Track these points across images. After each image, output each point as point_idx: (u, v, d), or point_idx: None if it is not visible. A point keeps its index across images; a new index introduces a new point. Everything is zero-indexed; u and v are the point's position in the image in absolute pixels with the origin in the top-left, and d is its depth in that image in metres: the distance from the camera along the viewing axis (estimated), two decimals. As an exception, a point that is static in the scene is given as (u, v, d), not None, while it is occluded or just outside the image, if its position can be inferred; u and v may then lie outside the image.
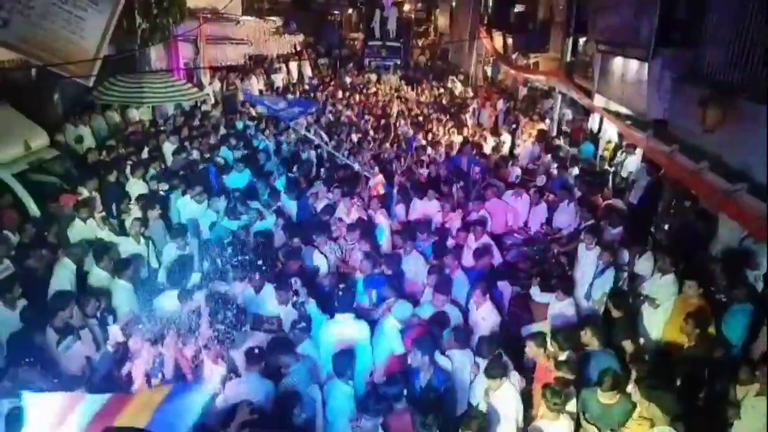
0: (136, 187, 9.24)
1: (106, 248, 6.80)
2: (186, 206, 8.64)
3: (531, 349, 5.56)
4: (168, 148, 11.40)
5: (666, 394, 4.57)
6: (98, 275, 6.54)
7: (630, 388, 5.03)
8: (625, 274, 7.26)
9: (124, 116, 13.91)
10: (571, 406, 4.98)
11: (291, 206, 8.95)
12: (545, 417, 4.82)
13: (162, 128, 12.96)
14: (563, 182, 10.29)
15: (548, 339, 5.56)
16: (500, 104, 19.03)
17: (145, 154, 10.73)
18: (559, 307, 6.39)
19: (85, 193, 8.50)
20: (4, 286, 5.94)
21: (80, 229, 7.51)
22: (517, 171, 11.61)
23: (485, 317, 6.19)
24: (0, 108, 9.44)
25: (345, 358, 5.00)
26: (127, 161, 10.06)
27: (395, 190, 9.80)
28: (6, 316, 5.73)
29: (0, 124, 9.03)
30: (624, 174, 11.08)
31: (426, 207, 9.06)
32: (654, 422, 4.50)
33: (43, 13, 10.07)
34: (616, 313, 6.19)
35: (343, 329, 5.67)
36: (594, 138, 13.39)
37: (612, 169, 11.68)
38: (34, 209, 8.19)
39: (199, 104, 15.78)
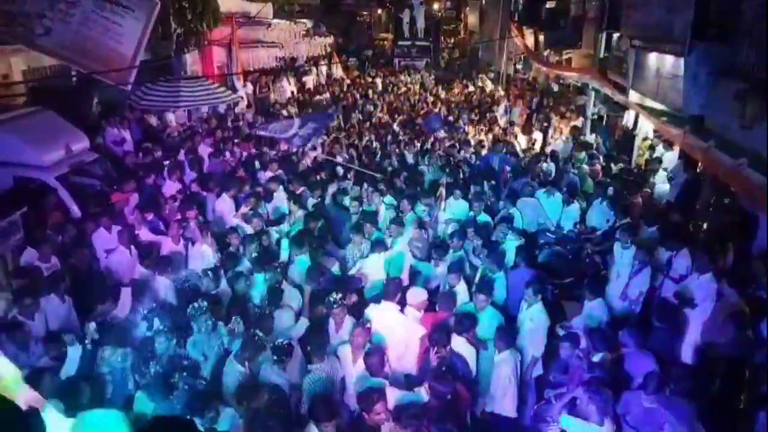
0: (172, 188, 9.47)
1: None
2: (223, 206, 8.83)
3: (565, 350, 5.51)
4: (203, 150, 11.63)
5: (683, 402, 4.48)
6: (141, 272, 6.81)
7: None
8: (662, 274, 7.13)
9: (161, 119, 14.26)
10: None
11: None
12: (590, 418, 4.75)
13: (198, 130, 13.25)
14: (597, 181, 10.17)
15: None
16: (532, 102, 18.85)
17: (181, 157, 10.97)
18: (589, 307, 6.31)
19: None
20: (53, 281, 6.23)
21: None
22: (550, 169, 11.47)
23: (533, 318, 6.14)
24: (42, 113, 9.75)
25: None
26: (164, 163, 10.31)
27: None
28: (57, 307, 6.05)
29: (43, 128, 9.33)
30: (662, 171, 10.85)
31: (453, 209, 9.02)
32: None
33: (82, 20, 10.42)
34: (657, 324, 6.07)
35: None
36: (629, 135, 13.16)
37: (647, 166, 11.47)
38: (75, 210, 8.45)
39: (232, 107, 16.07)
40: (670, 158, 10.90)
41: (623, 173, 11.05)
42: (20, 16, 9.90)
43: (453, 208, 8.87)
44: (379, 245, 7.32)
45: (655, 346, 5.59)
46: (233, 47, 17.88)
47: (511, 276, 6.99)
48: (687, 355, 6.21)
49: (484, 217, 8.54)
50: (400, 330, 5.70)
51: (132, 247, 7.42)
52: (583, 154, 11.97)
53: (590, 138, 14.03)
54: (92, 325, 5.44)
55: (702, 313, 6.17)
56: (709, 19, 8.63)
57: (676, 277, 6.96)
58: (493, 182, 10.12)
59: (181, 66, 15.45)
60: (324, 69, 26.34)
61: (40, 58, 11.21)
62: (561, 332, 6.18)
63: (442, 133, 15.25)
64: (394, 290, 6.02)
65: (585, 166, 11.27)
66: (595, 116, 15.27)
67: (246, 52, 19.25)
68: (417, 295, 6.03)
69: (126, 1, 10.84)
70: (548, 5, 20.59)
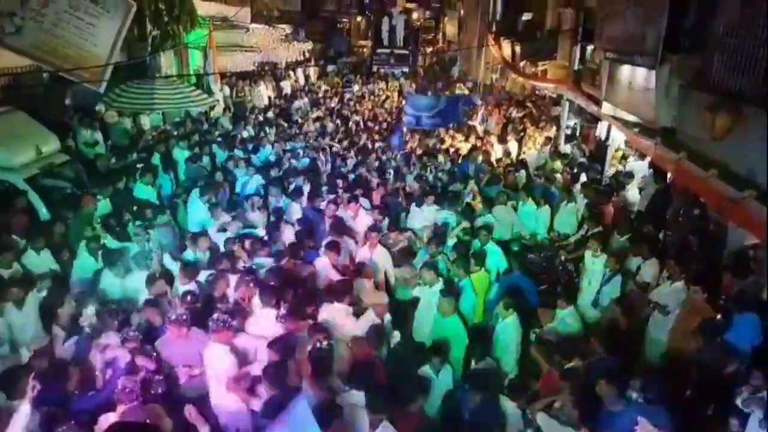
0: (144, 192, 9.32)
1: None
2: (196, 212, 8.71)
3: (538, 356, 5.55)
4: (178, 153, 11.48)
5: (657, 408, 4.52)
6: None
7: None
8: (633, 282, 7.23)
9: (135, 122, 14.04)
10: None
11: (296, 211, 9.00)
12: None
13: (173, 133, 13.08)
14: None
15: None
16: (508, 112, 19.04)
17: (156, 160, 10.81)
18: (562, 315, 6.37)
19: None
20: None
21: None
22: (523, 178, 11.61)
23: (505, 332, 6.18)
24: (12, 113, 9.54)
25: None
26: (137, 167, 10.14)
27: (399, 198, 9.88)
28: (16, 315, 5.90)
29: (12, 129, 9.13)
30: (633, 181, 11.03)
31: (426, 214, 9.07)
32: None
33: (55, 20, 10.23)
34: (623, 322, 6.16)
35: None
36: (602, 146, 13.36)
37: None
38: (44, 213, 8.26)
39: (208, 110, 15.91)
40: (640, 168, 11.09)
41: (594, 182, 11.22)
42: (-11, 14, 9.68)
43: (427, 214, 8.94)
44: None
45: (623, 352, 5.68)
46: (210, 50, 17.72)
47: (502, 281, 7.12)
48: (656, 360, 6.30)
49: (449, 218, 8.61)
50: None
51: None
52: (558, 164, 12.13)
53: (566, 148, 14.22)
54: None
55: (672, 320, 6.27)
56: (680, 31, 8.79)
57: (643, 284, 7.09)
58: (468, 189, 10.21)
59: (156, 67, 15.25)
60: (302, 74, 26.28)
61: (11, 58, 10.96)
62: (533, 337, 6.25)
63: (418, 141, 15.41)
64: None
65: (559, 176, 11.42)
66: (570, 128, 15.48)
67: (223, 56, 19.09)
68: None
69: (101, 2, 10.68)
70: (525, 17, 20.83)
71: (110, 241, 7.53)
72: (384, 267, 7.56)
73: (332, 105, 21.25)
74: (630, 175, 11.15)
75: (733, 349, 5.70)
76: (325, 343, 5.02)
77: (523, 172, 11.73)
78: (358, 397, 4.51)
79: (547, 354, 5.43)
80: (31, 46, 10.30)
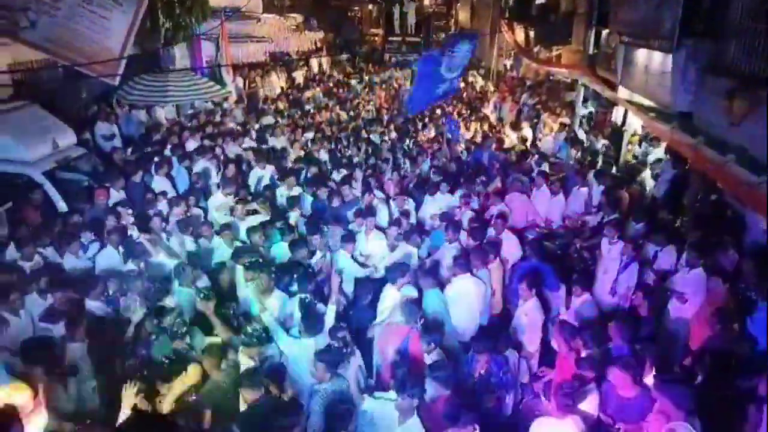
0: (160, 184, 9.39)
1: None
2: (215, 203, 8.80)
3: (555, 339, 5.54)
4: (192, 145, 11.54)
5: (680, 388, 4.50)
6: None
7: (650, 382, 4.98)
8: (650, 269, 7.17)
9: (150, 114, 14.13)
10: (588, 404, 4.93)
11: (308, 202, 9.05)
12: (553, 413, 4.80)
13: (186, 126, 13.15)
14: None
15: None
16: (522, 98, 18.88)
17: (168, 152, 10.88)
18: (579, 302, 6.34)
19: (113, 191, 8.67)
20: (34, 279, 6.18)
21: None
22: (538, 165, 11.52)
23: (528, 313, 6.19)
24: (28, 107, 9.63)
25: None
26: (153, 159, 10.21)
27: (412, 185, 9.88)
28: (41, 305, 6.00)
29: (29, 123, 9.22)
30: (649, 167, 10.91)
31: (439, 203, 9.04)
32: (669, 417, 4.44)
33: (68, 14, 10.26)
34: (643, 310, 6.12)
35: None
36: (618, 131, 13.22)
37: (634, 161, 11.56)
38: (62, 206, 8.37)
39: (221, 102, 15.95)
40: (657, 155, 10.96)
41: (609, 168, 11.13)
42: (3, 8, 9.73)
43: (440, 202, 8.93)
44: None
45: (641, 339, 5.64)
46: (222, 41, 17.72)
47: (516, 269, 7.14)
48: (674, 348, 6.25)
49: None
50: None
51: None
52: (573, 150, 12.03)
53: (581, 134, 14.08)
54: None
55: (691, 308, 6.21)
56: (697, 15, 8.64)
57: (660, 272, 7.03)
58: (483, 177, 10.15)
59: (169, 60, 15.30)
60: (315, 64, 26.22)
61: (26, 52, 11.05)
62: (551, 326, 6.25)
63: (433, 132, 15.31)
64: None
65: (574, 162, 11.34)
66: (584, 116, 15.31)
67: (235, 47, 19.08)
68: None
69: (114, -5, 10.71)
70: (539, 1, 20.58)
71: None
72: (379, 254, 7.59)
73: (343, 95, 21.18)
74: (645, 163, 11.04)
75: (750, 336, 5.66)
76: None
77: (537, 159, 11.62)
78: None
79: (565, 340, 5.41)
80: (45, 40, 10.34)
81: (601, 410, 4.97)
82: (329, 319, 5.70)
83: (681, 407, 4.35)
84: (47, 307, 5.87)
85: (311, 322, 5.44)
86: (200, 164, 10.34)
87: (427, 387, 4.67)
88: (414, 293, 6.21)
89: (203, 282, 6.47)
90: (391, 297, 6.21)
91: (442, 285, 6.53)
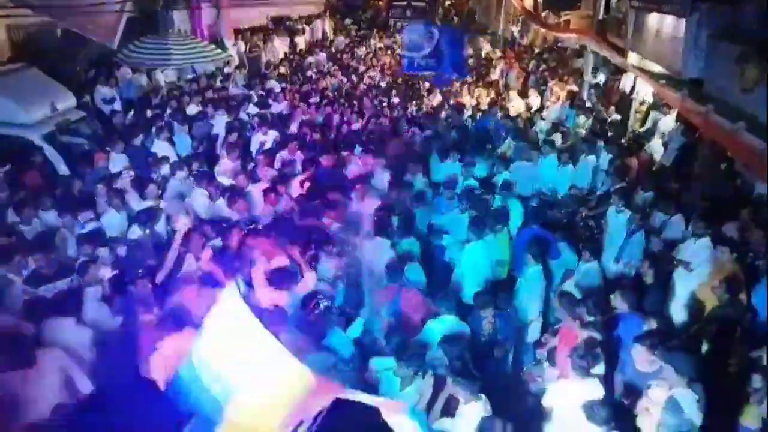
0: (160, 148, 9.27)
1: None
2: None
3: (559, 310, 5.52)
4: (192, 110, 11.38)
5: (682, 355, 4.46)
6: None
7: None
8: (657, 238, 7.09)
9: (151, 78, 13.92)
10: (599, 369, 4.90)
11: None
12: (571, 378, 4.77)
13: (186, 90, 12.96)
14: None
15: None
16: (529, 65, 18.54)
17: (167, 117, 10.73)
18: (585, 269, 6.29)
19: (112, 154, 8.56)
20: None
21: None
22: (544, 132, 11.36)
23: (529, 280, 6.18)
24: (26, 70, 9.48)
25: None
26: (152, 123, 10.08)
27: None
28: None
29: (27, 86, 9.09)
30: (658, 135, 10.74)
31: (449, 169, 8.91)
32: (671, 384, 4.41)
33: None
34: (649, 278, 6.07)
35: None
36: (627, 98, 13.00)
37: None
38: (63, 169, 8.29)
39: (222, 66, 15.70)
40: (667, 122, 10.77)
41: (618, 136, 10.96)
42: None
43: (449, 169, 8.82)
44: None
45: (647, 308, 5.60)
46: (222, 5, 17.42)
47: (520, 235, 7.07)
48: (679, 317, 6.22)
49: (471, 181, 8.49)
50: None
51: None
52: (582, 118, 11.84)
53: (589, 102, 13.83)
54: None
55: (697, 277, 6.15)
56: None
57: (667, 241, 6.95)
58: (489, 146, 10.02)
59: (168, 23, 15.01)
60: (319, 28, 25.74)
61: (24, 14, 10.84)
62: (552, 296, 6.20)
63: (438, 97, 15.09)
64: None
65: (582, 130, 11.16)
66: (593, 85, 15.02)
67: (236, 10, 18.73)
68: None
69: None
70: (548, -36, 20.08)
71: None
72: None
73: (348, 60, 20.83)
74: (653, 131, 10.87)
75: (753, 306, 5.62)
76: None
77: (543, 126, 11.45)
78: None
79: (569, 307, 5.37)
80: (42, 1, 10.17)
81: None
82: None
83: (684, 375, 4.32)
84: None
85: None
86: (201, 129, 10.22)
87: None
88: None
89: None
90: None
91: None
